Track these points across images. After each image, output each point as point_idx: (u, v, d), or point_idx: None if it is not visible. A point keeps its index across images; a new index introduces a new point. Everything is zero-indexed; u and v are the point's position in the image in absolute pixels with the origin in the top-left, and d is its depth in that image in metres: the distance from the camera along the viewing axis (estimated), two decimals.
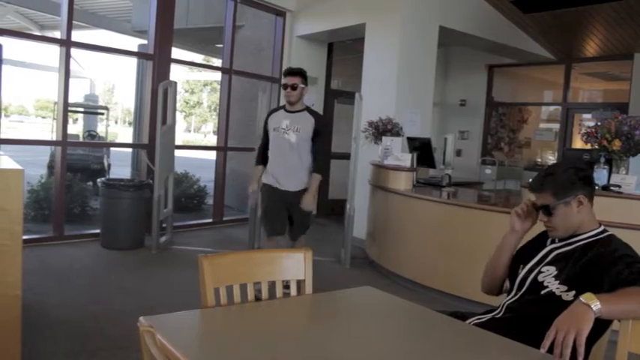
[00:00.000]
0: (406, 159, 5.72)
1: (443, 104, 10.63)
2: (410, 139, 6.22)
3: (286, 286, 2.12)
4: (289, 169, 4.46)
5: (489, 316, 2.11)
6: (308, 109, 4.54)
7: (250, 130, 7.79)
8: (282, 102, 8.80)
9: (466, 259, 4.77)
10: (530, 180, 2.17)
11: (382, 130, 6.24)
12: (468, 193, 5.99)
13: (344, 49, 9.22)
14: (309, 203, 4.43)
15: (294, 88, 4.41)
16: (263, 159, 4.65)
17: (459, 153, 9.98)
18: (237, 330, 1.73)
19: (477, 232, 4.77)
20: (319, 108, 9.03)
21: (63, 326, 3.78)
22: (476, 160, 9.80)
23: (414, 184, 5.74)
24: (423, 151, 6.01)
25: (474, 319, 2.11)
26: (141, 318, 1.59)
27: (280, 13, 8.64)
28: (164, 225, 6.51)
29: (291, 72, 4.49)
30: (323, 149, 4.70)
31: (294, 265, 2.13)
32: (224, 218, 8.21)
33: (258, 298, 2.04)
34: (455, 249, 4.91)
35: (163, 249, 6.23)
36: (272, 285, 2.08)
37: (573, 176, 2.01)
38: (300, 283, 2.12)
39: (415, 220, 5.37)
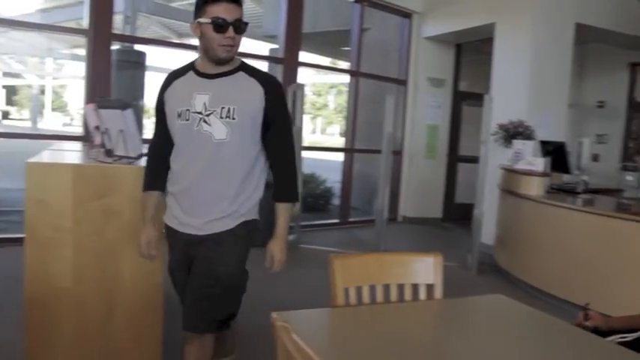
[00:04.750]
0: (538, 163, 5.50)
1: (578, 106, 10.05)
2: (543, 143, 5.96)
3: None
4: (211, 192, 2.20)
5: (635, 335, 1.98)
6: (244, 66, 2.23)
7: (377, 132, 7.84)
8: (411, 105, 8.95)
9: (605, 272, 4.50)
10: None
11: (513, 133, 6.05)
12: (606, 201, 5.63)
13: (472, 49, 9.01)
14: (279, 257, 2.35)
15: (238, 29, 2.10)
16: (159, 175, 2.35)
17: (595, 158, 9.39)
18: (367, 331, 1.76)
19: (617, 243, 4.48)
20: (446, 111, 8.89)
21: None
22: (615, 166, 9.19)
23: (547, 190, 5.50)
24: (556, 155, 5.74)
25: (617, 337, 1.99)
26: (274, 313, 1.63)
27: (407, 14, 8.62)
28: (292, 224, 6.70)
29: None
30: (289, 147, 2.30)
31: (424, 268, 2.12)
32: (350, 219, 8.33)
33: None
34: (592, 260, 4.63)
35: (291, 247, 6.39)
36: (401, 287, 2.09)
37: None
38: (429, 288, 2.12)
39: (548, 228, 5.14)
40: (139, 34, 13.54)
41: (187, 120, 2.15)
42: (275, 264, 2.34)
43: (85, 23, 6.23)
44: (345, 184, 8.34)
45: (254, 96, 2.16)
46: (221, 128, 2.12)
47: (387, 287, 2.07)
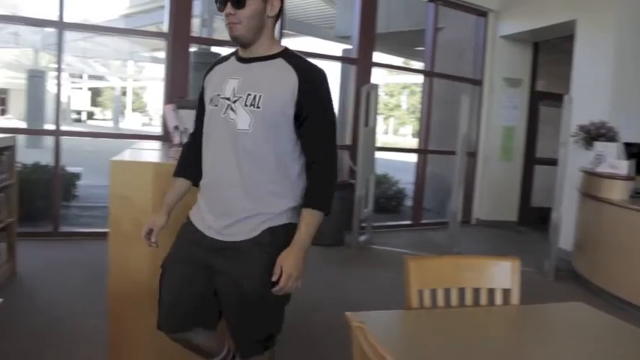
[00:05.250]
0: (622, 166, 5.26)
1: None
2: (627, 145, 5.70)
3: None
4: (233, 188, 1.95)
5: None
6: (287, 52, 1.97)
7: (450, 133, 7.74)
8: (486, 106, 8.75)
9: None
10: None
11: (594, 134, 5.82)
12: None
13: (551, 48, 8.73)
14: (290, 271, 1.87)
15: (237, 3, 1.86)
16: (189, 164, 2.19)
17: None
18: (442, 334, 1.74)
19: None
20: (523, 111, 8.66)
21: None
22: None
23: (632, 195, 5.26)
24: None
25: None
26: (348, 313, 1.64)
27: (482, 13, 8.46)
28: (364, 224, 6.70)
29: None
30: (324, 148, 1.99)
31: (500, 273, 2.07)
32: (422, 221, 8.25)
33: None
34: None
35: (363, 247, 6.43)
36: (476, 292, 2.05)
37: None
38: (506, 293, 2.07)
39: (633, 234, 4.90)
40: (216, 36, 13.82)
41: (216, 106, 1.97)
42: (283, 279, 1.86)
43: (165, 27, 6.44)
44: (417, 185, 8.26)
45: (286, 85, 1.89)
46: (244, 117, 1.90)
47: (462, 291, 2.04)
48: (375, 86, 6.91)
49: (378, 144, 7.32)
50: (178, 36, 6.15)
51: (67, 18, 5.92)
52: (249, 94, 1.89)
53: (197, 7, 9.69)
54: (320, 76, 1.95)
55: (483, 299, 2.04)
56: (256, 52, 1.95)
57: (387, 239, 7.00)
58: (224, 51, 9.45)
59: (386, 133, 44.15)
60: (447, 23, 9.29)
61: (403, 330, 1.83)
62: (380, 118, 40.62)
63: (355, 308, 1.76)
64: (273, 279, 1.87)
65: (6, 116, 36.04)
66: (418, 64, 15.50)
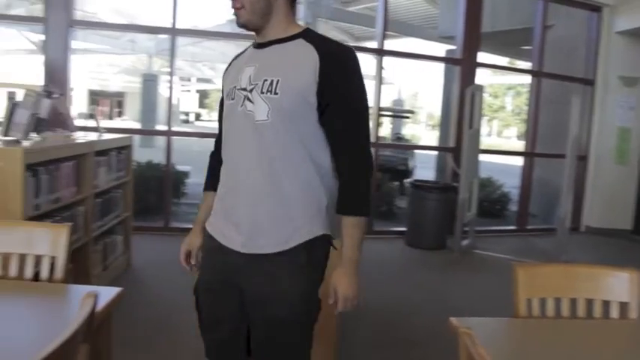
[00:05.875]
0: None
1: None
2: None
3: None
4: (254, 189, 1.69)
5: None
6: (307, 32, 1.72)
7: (558, 135, 7.40)
8: (599, 107, 8.29)
9: None
10: None
11: None
12: None
13: None
14: (344, 292, 1.66)
15: None
16: (218, 174, 1.88)
17: None
18: (552, 345, 1.67)
19: None
20: (638, 111, 8.14)
21: (367, 317, 3.97)
22: None
23: None
24: None
25: None
26: (453, 319, 1.63)
27: (596, 8, 8.04)
28: (466, 228, 6.55)
29: None
30: (354, 140, 1.69)
31: (617, 284, 1.96)
32: (528, 226, 7.96)
33: None
34: None
35: (465, 252, 6.30)
36: (590, 303, 1.95)
37: None
38: (623, 306, 1.95)
39: None
40: None
41: (233, 99, 1.73)
42: (340, 302, 1.67)
43: None
44: (523, 189, 7.98)
45: (306, 66, 1.62)
46: (262, 106, 1.64)
47: (574, 301, 1.95)
48: (480, 87, 6.75)
49: (482, 146, 7.12)
50: None
51: (179, 25, 6.21)
52: (265, 80, 1.64)
53: (300, 11, 9.85)
54: (346, 55, 1.68)
55: (597, 311, 1.94)
56: (272, 35, 1.71)
57: (490, 244, 6.81)
58: None
59: (489, 135, 43.00)
60: (557, 20, 8.91)
61: (510, 338, 1.78)
62: (484, 120, 39.68)
63: (457, 314, 1.73)
64: (330, 302, 1.68)
65: (122, 118, 38.42)
66: (524, 64, 14.97)
